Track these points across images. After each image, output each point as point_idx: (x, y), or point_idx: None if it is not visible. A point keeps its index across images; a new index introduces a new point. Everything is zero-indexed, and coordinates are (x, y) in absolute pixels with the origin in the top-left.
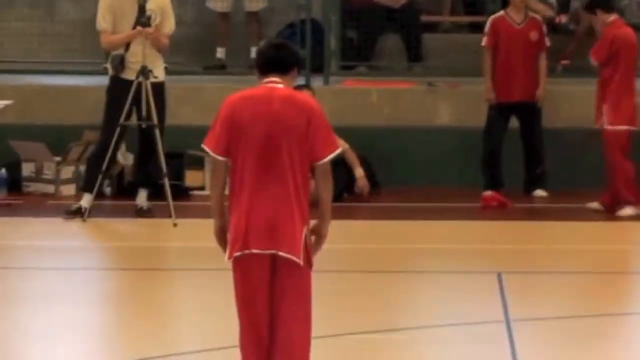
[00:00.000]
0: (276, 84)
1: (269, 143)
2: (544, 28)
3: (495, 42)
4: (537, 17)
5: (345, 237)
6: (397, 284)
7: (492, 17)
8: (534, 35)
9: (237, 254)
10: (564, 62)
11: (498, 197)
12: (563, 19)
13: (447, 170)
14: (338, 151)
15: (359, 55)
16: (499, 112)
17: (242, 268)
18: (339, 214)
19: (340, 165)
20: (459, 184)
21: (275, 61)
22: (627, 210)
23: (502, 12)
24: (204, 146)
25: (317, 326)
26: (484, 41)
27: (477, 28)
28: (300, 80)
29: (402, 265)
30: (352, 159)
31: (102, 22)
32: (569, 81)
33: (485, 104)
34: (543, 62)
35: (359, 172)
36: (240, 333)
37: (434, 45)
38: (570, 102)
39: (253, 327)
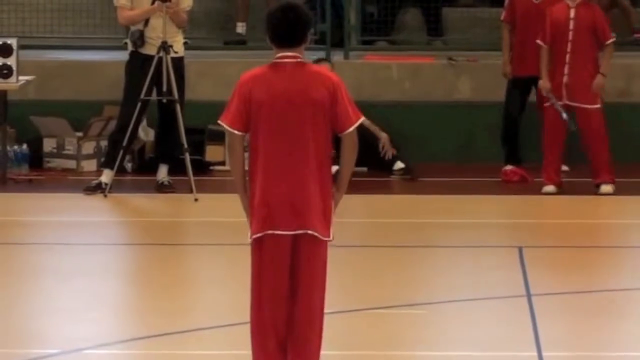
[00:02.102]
0: (291, 58)
1: (291, 120)
2: None
3: (512, 17)
4: None
5: (365, 211)
6: (417, 258)
7: None
8: None
9: (259, 234)
10: None
11: (519, 172)
12: None
13: (467, 144)
14: (362, 119)
15: (379, 29)
16: (517, 86)
17: (264, 247)
18: (359, 188)
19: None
20: (478, 159)
21: (288, 37)
22: None
23: None
24: (220, 122)
25: (337, 300)
26: (502, 15)
27: (498, 2)
28: (321, 55)
29: (422, 239)
30: (374, 128)
31: None
32: None
33: (505, 79)
34: None
35: (384, 136)
36: (252, 315)
37: (454, 20)
38: None
39: (268, 308)
